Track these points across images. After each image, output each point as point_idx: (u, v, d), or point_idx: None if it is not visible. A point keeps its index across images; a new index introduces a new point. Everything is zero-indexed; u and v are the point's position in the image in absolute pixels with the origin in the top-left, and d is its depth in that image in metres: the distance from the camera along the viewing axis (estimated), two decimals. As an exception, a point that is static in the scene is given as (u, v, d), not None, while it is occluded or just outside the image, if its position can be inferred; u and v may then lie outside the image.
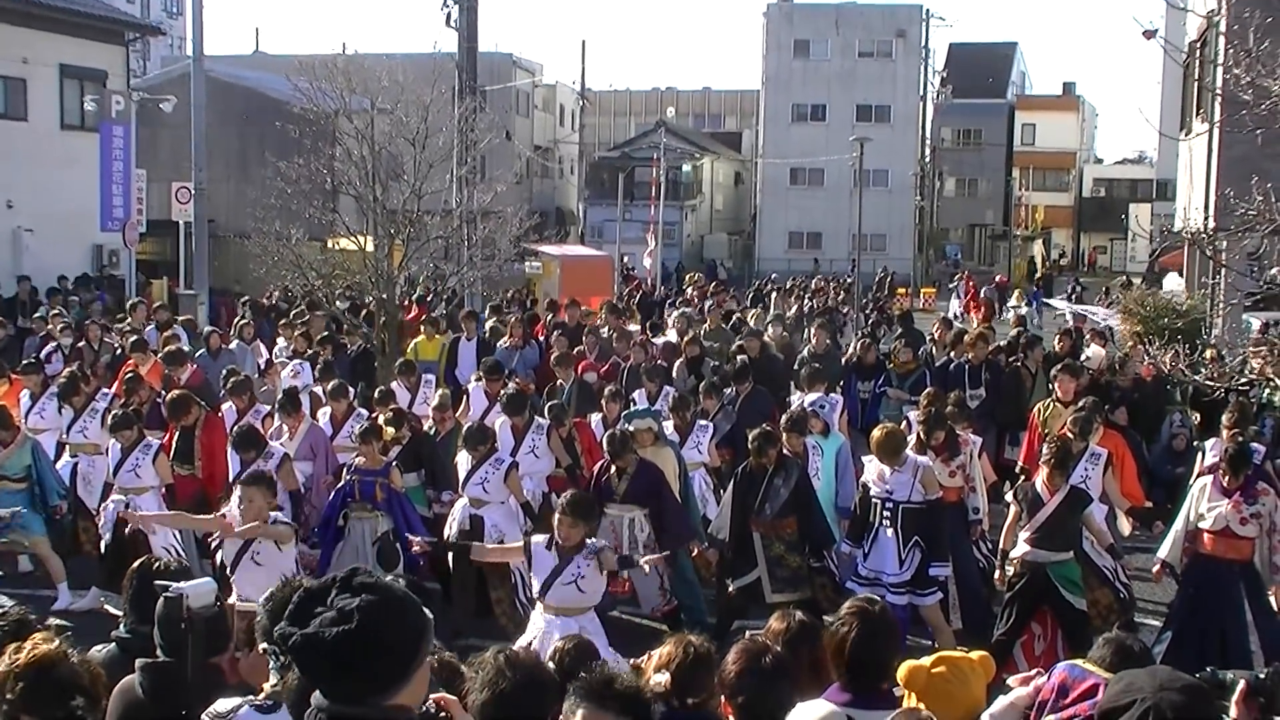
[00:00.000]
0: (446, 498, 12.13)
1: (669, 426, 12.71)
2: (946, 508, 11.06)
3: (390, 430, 12.10)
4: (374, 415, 12.81)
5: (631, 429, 11.49)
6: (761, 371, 16.54)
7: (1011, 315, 33.13)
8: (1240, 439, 10.83)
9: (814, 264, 61.91)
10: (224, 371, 15.12)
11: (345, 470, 11.40)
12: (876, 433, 10.76)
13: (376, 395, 13.71)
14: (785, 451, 11.07)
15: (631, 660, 5.68)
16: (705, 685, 4.84)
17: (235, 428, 11.96)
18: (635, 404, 14.35)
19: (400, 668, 3.26)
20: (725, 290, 33.76)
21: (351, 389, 14.56)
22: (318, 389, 14.44)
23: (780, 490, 10.65)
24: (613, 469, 11.04)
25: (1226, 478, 10.00)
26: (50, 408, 13.73)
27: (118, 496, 11.70)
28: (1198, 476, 10.94)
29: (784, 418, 12.09)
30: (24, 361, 14.93)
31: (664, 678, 4.79)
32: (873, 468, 10.63)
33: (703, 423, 13.23)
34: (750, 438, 10.94)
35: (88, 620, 10.47)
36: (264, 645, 4.66)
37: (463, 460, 11.49)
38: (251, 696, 4.54)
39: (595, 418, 13.53)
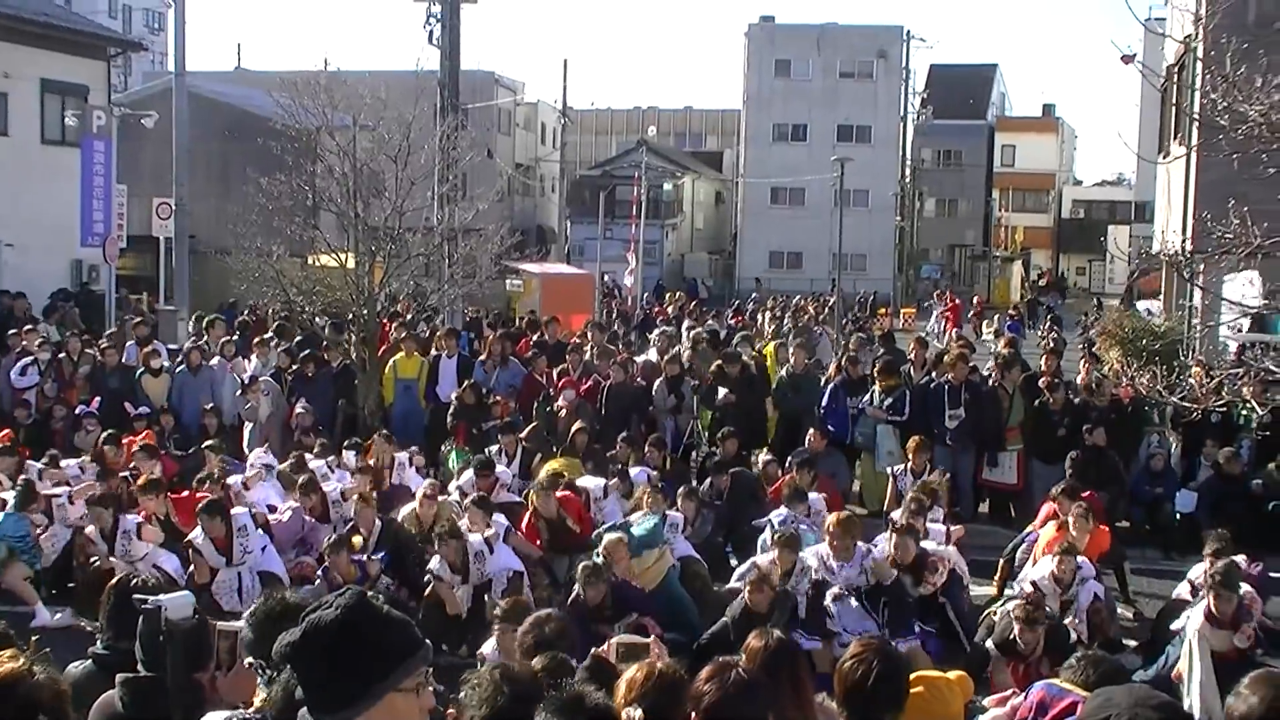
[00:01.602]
0: None
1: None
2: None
3: (357, 541, 11.85)
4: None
5: (602, 548, 10.86)
6: (742, 391, 16.62)
7: (991, 337, 33.23)
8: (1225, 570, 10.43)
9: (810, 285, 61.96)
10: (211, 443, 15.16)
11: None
12: (831, 518, 10.60)
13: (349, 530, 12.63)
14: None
15: (594, 650, 5.61)
16: (677, 712, 4.78)
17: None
18: (615, 453, 14.44)
19: (383, 666, 3.35)
20: (704, 309, 33.85)
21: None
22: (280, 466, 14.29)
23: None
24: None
25: (1219, 608, 9.62)
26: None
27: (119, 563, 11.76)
28: (1184, 624, 10.44)
29: (777, 537, 11.18)
30: None
31: (637, 713, 4.74)
32: (817, 552, 10.47)
33: (674, 516, 12.31)
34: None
35: (63, 636, 10.44)
36: (249, 660, 4.66)
37: (443, 571, 11.22)
38: (240, 710, 4.53)
39: (590, 484, 13.31)
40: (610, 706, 4.33)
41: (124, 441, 15.00)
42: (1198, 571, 10.90)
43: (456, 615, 10.99)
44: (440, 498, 12.79)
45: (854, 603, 10.33)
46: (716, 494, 14.11)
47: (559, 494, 12.64)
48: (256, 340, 19.40)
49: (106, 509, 11.97)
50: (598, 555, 10.77)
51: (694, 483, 14.27)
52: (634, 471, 13.85)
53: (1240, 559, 10.66)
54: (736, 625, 9.88)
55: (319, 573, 11.69)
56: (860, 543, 10.61)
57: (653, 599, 10.57)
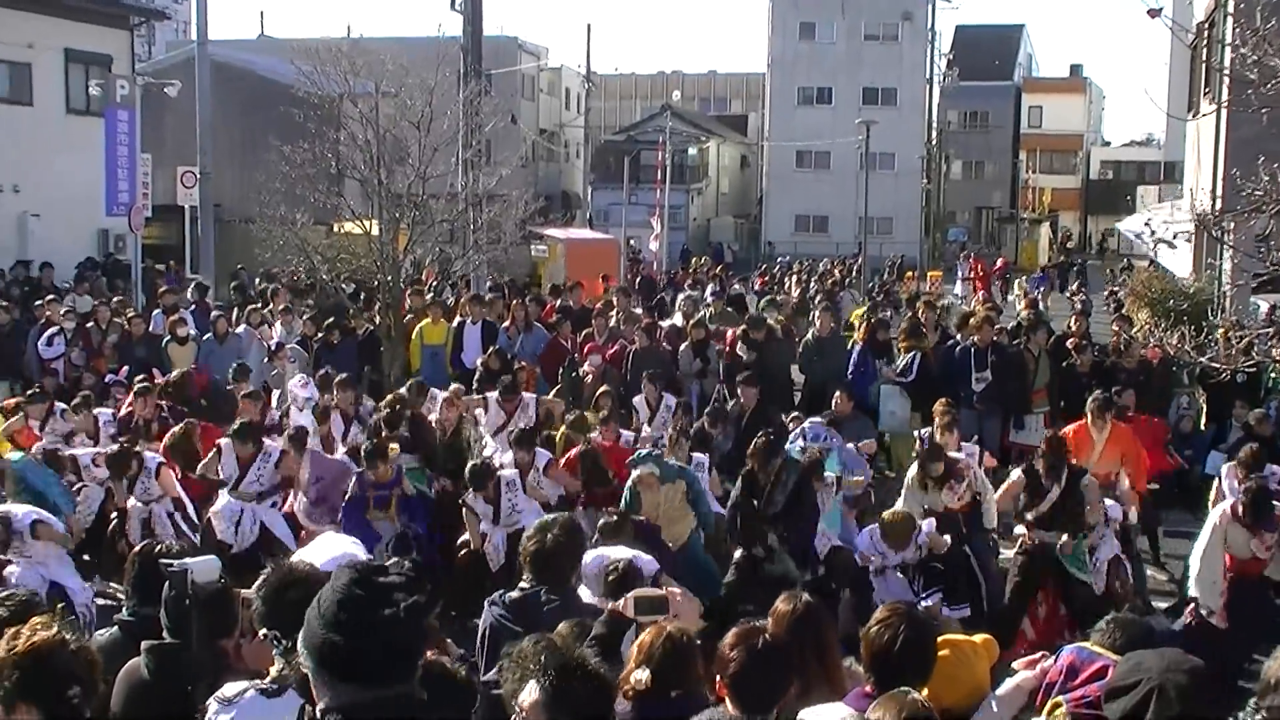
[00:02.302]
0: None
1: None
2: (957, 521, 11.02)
3: (395, 448, 12.07)
4: (377, 408, 12.99)
5: (634, 479, 11.06)
6: (769, 357, 16.57)
7: (1019, 300, 33.04)
8: (1260, 482, 10.49)
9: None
10: (235, 368, 15.20)
11: (355, 483, 11.50)
12: (887, 516, 10.58)
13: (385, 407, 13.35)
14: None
15: (611, 606, 5.52)
16: (687, 676, 4.76)
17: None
18: (636, 411, 14.37)
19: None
20: (730, 273, 33.77)
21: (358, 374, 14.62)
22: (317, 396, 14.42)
23: (778, 499, 10.56)
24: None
25: (1248, 517, 9.71)
26: (60, 424, 13.70)
27: (137, 504, 11.80)
28: (1214, 504, 10.80)
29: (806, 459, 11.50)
30: (29, 392, 14.78)
31: (644, 675, 4.73)
32: (872, 542, 10.48)
33: (699, 457, 12.54)
34: (752, 448, 10.77)
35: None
36: (264, 632, 4.66)
37: (481, 507, 11.40)
38: (258, 680, 4.52)
39: (628, 434, 13.34)
40: (605, 681, 4.25)
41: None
42: (1226, 469, 11.23)
43: (486, 579, 10.97)
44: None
45: (899, 574, 10.30)
46: (735, 416, 14.19)
47: (603, 442, 12.68)
48: (282, 308, 19.41)
49: (130, 464, 11.92)
50: (630, 488, 10.95)
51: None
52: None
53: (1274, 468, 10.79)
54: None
55: (354, 477, 11.66)
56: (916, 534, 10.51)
57: (676, 560, 10.61)
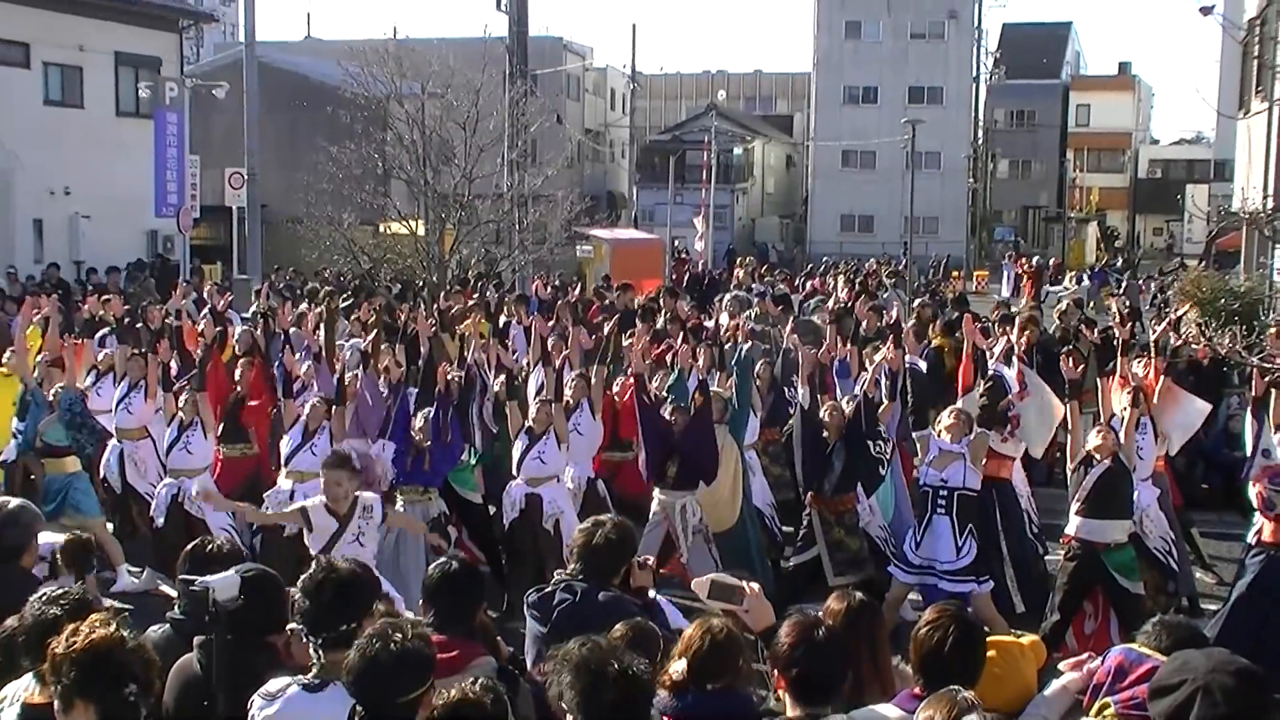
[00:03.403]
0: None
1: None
2: (997, 487, 11.02)
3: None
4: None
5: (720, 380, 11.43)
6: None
7: (1065, 301, 32.80)
8: None
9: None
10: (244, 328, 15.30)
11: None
12: (947, 418, 10.63)
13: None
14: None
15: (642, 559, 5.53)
16: (727, 669, 4.77)
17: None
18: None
19: None
20: (777, 273, 33.66)
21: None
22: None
23: (835, 465, 10.63)
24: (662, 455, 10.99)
25: None
26: (107, 386, 13.83)
27: (169, 481, 11.81)
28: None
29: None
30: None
31: (681, 666, 4.76)
32: (931, 442, 10.49)
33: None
34: (827, 408, 10.95)
35: (143, 601, 10.59)
36: (293, 626, 4.71)
37: (519, 443, 11.48)
38: (300, 676, 4.57)
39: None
40: (638, 676, 4.24)
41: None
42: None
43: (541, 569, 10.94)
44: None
45: (944, 520, 10.20)
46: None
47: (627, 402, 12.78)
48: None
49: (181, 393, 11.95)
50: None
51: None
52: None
53: None
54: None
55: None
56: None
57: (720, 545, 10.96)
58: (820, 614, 5.17)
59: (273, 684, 4.54)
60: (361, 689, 4.03)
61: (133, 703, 3.96)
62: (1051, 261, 48.11)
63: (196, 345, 14.79)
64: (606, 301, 20.80)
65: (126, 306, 19.00)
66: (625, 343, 13.70)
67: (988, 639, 5.21)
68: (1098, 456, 9.85)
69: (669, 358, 16.56)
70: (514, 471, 11.54)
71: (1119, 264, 52.28)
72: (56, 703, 4.03)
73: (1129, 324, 16.93)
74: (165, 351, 13.98)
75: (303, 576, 4.75)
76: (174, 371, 13.65)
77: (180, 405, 11.84)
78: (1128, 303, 25.81)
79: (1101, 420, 10.74)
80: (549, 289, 15.84)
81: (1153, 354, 12.26)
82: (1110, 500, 9.77)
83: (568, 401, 12.15)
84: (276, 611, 4.96)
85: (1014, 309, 22.69)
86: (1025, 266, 41.73)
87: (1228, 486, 14.94)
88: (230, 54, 43.77)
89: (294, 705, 4.49)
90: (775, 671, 4.59)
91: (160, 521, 11.81)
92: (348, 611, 4.62)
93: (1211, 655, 4.00)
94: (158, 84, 28.80)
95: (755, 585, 5.32)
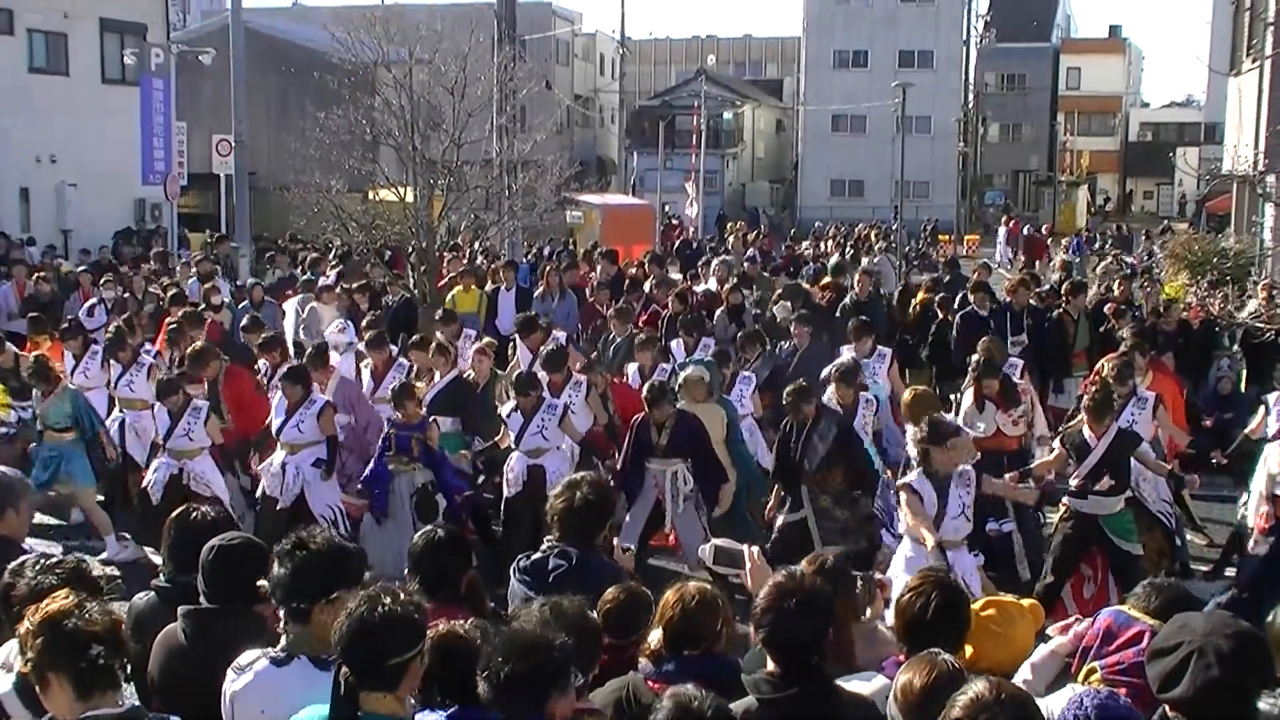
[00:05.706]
0: (477, 445, 12.42)
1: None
2: (1005, 457, 10.99)
3: (421, 386, 12.10)
4: (413, 366, 12.93)
5: (682, 379, 11.43)
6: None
7: (1056, 262, 32.77)
8: None
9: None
10: (245, 320, 15.26)
11: (387, 424, 11.44)
12: (906, 396, 10.62)
13: (413, 342, 13.53)
14: (826, 403, 11.02)
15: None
16: (704, 635, 4.80)
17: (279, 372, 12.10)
18: (672, 355, 14.29)
19: None
20: (768, 237, 33.59)
21: (393, 340, 14.55)
22: (361, 345, 14.40)
23: (818, 445, 10.57)
24: (652, 422, 10.95)
25: None
26: (94, 366, 13.79)
27: (169, 460, 11.76)
28: (1273, 439, 10.75)
29: (832, 368, 11.94)
30: (63, 325, 14.92)
31: (656, 635, 4.81)
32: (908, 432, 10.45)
33: (745, 374, 13.10)
34: (785, 393, 10.82)
35: (133, 570, 10.57)
36: (261, 582, 4.70)
37: (513, 420, 11.44)
38: (269, 649, 4.55)
39: (631, 368, 13.51)
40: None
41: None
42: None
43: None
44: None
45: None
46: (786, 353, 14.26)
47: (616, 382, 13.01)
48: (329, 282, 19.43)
49: (176, 393, 11.88)
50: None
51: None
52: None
53: None
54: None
55: (386, 419, 11.63)
56: None
57: (704, 437, 10.98)
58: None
59: (244, 656, 4.54)
60: (349, 651, 4.00)
61: (105, 665, 3.95)
62: (1044, 227, 47.97)
63: (217, 336, 14.80)
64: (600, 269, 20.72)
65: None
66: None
67: (987, 598, 5.21)
68: (1093, 436, 9.82)
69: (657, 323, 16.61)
70: (513, 445, 11.49)
71: (1113, 229, 52.22)
72: (35, 684, 4.04)
73: (1124, 287, 16.95)
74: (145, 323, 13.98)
75: (279, 549, 4.71)
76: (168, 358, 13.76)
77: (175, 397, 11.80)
78: (1119, 266, 25.76)
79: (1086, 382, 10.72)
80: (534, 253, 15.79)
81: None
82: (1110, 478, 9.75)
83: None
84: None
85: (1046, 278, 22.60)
86: (1028, 230, 41.50)
87: (1218, 446, 14.94)
88: (217, 20, 43.57)
89: (262, 679, 4.49)
90: (754, 632, 4.60)
91: (158, 498, 11.73)
92: (317, 584, 4.55)
93: (1211, 618, 3.98)
94: (143, 50, 28.60)
95: (755, 550, 5.32)
